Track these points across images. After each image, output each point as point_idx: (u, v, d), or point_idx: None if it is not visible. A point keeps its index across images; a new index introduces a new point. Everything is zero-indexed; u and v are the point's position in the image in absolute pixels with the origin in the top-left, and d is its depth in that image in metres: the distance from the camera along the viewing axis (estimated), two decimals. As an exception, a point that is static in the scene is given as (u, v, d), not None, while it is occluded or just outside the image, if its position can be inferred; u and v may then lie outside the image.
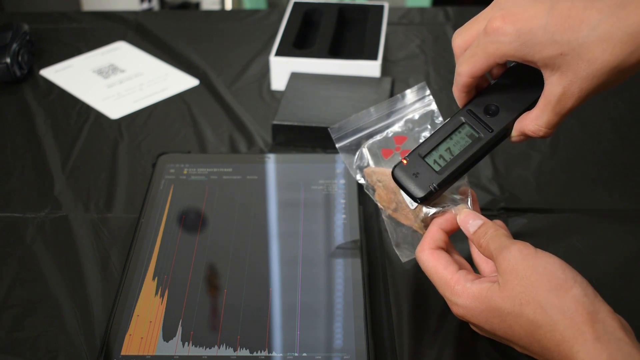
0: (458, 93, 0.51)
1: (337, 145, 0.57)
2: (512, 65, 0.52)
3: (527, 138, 0.50)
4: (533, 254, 0.45)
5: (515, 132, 0.51)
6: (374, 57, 0.83)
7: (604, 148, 0.74)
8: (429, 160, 0.51)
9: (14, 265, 0.60)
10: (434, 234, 0.51)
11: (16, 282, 0.58)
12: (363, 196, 0.64)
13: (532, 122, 0.49)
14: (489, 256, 0.48)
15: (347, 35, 0.94)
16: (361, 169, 0.57)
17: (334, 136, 0.57)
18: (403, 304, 0.55)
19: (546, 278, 0.44)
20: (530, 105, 0.50)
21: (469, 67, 0.49)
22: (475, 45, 0.48)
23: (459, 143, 0.51)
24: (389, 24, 0.97)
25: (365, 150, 0.57)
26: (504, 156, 0.72)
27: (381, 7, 0.95)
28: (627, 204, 0.66)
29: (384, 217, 0.56)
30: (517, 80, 0.51)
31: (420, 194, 0.51)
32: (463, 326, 0.53)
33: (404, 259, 0.56)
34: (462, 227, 0.51)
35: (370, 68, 0.82)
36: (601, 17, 0.43)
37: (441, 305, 0.54)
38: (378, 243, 0.61)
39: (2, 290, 0.57)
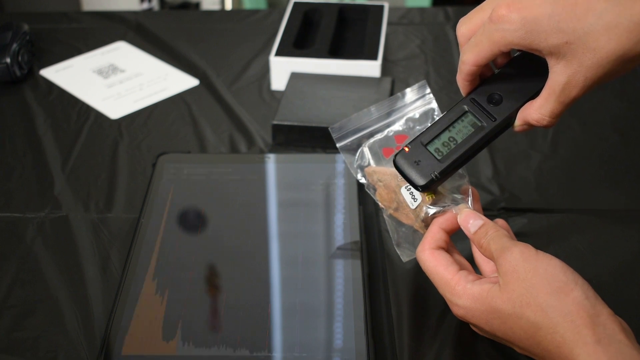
0: (462, 82, 0.51)
1: (338, 145, 0.57)
2: (516, 54, 0.52)
3: (530, 127, 0.50)
4: (534, 256, 0.45)
5: (518, 121, 0.50)
6: (374, 57, 0.83)
7: (604, 148, 0.74)
8: (431, 148, 0.51)
9: (14, 265, 0.59)
10: (435, 234, 0.51)
11: (16, 282, 0.58)
12: (363, 196, 0.64)
13: (536, 111, 0.48)
14: (490, 257, 0.48)
15: (347, 35, 0.94)
16: (362, 168, 0.57)
17: (334, 135, 0.57)
18: (403, 304, 0.55)
19: (547, 280, 0.44)
20: (534, 95, 0.49)
21: (473, 56, 0.49)
22: (480, 34, 0.48)
23: (462, 132, 0.51)
24: (389, 24, 0.97)
25: (365, 150, 0.57)
26: (504, 156, 0.72)
27: (381, 7, 0.95)
28: (627, 204, 0.66)
29: (385, 216, 0.56)
30: (522, 69, 0.51)
31: (421, 181, 0.50)
32: (463, 326, 0.53)
33: (404, 258, 0.56)
34: (462, 227, 0.51)
35: (370, 68, 0.82)
36: (607, 6, 0.43)
37: (441, 305, 0.54)
38: (378, 243, 0.61)
39: (2, 290, 0.57)
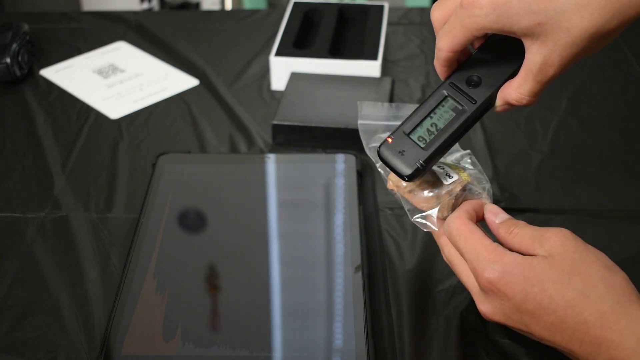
0: (439, 67, 0.51)
1: (360, 122, 0.56)
2: (491, 35, 0.51)
3: (511, 107, 0.50)
4: (581, 240, 0.47)
5: (499, 102, 0.50)
6: (374, 57, 0.83)
7: (604, 148, 0.74)
8: (414, 137, 0.51)
9: (14, 265, 0.59)
10: (469, 210, 0.51)
11: (16, 282, 0.58)
12: (363, 196, 0.64)
13: (515, 91, 0.48)
14: (521, 241, 0.47)
15: (347, 35, 0.94)
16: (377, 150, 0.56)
17: (360, 112, 0.56)
18: (403, 304, 0.55)
19: (598, 257, 0.45)
20: (512, 74, 0.49)
21: (448, 42, 0.48)
22: (452, 20, 0.48)
23: (443, 117, 0.51)
24: (389, 24, 0.97)
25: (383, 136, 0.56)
26: (504, 156, 0.72)
27: (381, 7, 0.95)
28: (627, 204, 0.66)
29: (398, 196, 0.54)
30: (498, 49, 0.51)
31: (407, 171, 0.50)
32: (463, 326, 0.53)
33: (424, 229, 0.53)
34: (487, 217, 0.50)
35: (370, 68, 0.82)
36: None
37: (441, 305, 0.54)
38: (378, 243, 0.61)
39: (2, 290, 0.57)
